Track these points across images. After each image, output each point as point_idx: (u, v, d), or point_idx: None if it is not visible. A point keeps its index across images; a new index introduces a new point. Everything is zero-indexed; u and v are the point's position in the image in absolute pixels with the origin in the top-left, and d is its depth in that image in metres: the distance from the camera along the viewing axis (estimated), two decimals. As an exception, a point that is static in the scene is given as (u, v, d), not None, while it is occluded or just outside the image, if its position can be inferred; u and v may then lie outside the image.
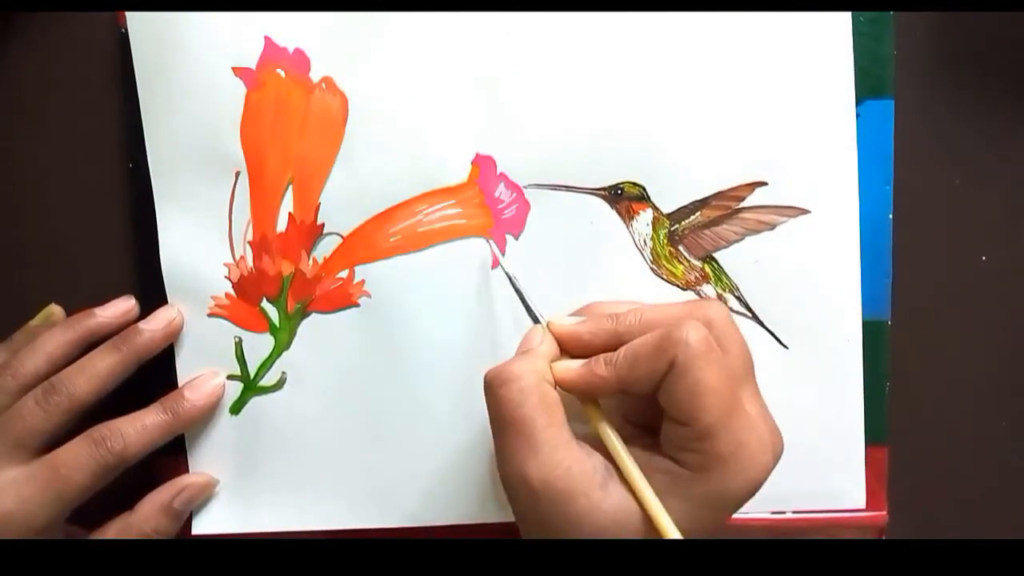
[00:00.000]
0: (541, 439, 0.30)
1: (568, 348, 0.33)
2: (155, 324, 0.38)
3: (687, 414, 0.29)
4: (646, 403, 0.31)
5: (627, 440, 0.31)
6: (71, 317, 0.39)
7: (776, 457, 0.31)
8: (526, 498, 0.30)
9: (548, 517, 0.30)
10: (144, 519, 0.37)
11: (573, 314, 0.35)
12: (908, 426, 0.39)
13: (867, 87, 0.37)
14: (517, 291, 0.36)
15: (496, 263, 0.38)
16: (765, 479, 0.30)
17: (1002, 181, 0.39)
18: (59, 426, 0.36)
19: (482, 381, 0.38)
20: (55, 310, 0.40)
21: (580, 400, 0.32)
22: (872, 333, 0.38)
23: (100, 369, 0.37)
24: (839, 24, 0.37)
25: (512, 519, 0.39)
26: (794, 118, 0.37)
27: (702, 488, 0.29)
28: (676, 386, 0.29)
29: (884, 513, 0.39)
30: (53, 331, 0.38)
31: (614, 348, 0.31)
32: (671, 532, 0.29)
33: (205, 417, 0.39)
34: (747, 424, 0.30)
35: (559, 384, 0.32)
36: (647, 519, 0.29)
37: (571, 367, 0.32)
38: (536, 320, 0.34)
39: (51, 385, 0.36)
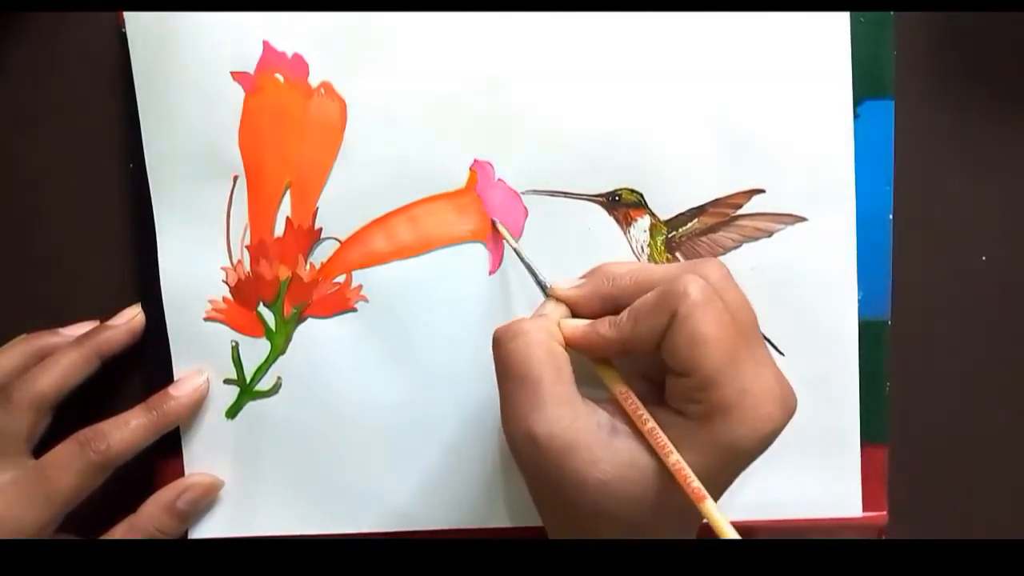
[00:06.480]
0: (547, 393, 0.30)
1: (574, 311, 0.34)
2: (118, 320, 0.39)
3: (688, 364, 0.29)
4: (653, 360, 0.31)
5: (638, 397, 0.31)
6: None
7: (786, 411, 0.30)
8: (530, 453, 0.30)
9: (552, 471, 0.30)
10: (148, 518, 0.37)
11: (582, 276, 0.35)
12: (908, 426, 0.39)
13: (867, 87, 0.37)
14: (525, 264, 0.36)
15: (495, 269, 0.38)
16: (774, 431, 0.30)
17: (1002, 181, 0.39)
18: (30, 424, 0.36)
19: (479, 384, 0.38)
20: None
21: (592, 362, 0.32)
22: (872, 333, 0.38)
23: (62, 364, 0.37)
24: (837, 25, 0.37)
25: (511, 524, 0.39)
26: (792, 122, 0.37)
27: (708, 437, 0.29)
28: (677, 337, 0.29)
29: (884, 513, 0.39)
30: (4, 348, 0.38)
31: (613, 311, 0.32)
32: (691, 479, 0.29)
33: (191, 414, 0.39)
34: (751, 375, 0.29)
35: (567, 341, 0.32)
36: (659, 472, 0.29)
37: (577, 325, 0.32)
38: (543, 289, 0.35)
39: (11, 385, 0.36)
